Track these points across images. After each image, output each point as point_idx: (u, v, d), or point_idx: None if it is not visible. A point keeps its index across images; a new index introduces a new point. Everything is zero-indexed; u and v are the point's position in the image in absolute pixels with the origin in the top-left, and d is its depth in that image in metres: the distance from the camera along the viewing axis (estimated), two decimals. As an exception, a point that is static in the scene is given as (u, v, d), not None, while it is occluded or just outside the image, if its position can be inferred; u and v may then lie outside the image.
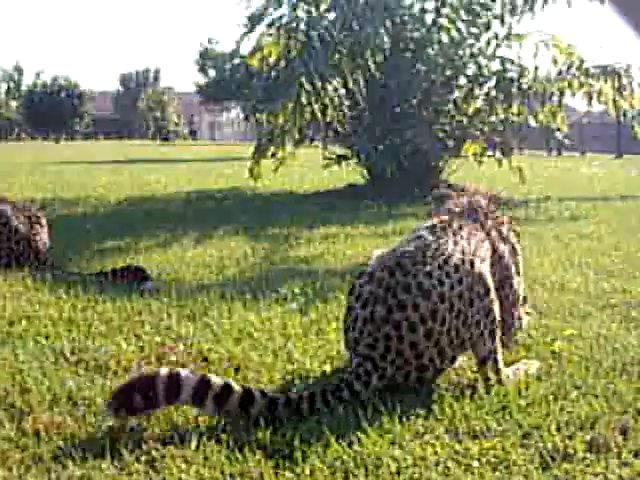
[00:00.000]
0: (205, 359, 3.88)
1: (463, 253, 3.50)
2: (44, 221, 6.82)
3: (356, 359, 3.37)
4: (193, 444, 2.84)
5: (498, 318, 3.50)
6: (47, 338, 4.23)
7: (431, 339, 3.33)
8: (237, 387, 3.05)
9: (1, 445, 2.86)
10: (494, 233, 3.83)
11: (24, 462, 2.74)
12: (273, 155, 12.08)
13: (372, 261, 3.57)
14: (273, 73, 12.57)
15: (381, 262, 3.50)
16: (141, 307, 4.91)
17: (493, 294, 3.49)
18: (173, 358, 3.87)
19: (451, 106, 12.98)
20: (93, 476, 2.62)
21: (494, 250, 3.75)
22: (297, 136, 12.16)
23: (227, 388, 3.02)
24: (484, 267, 3.54)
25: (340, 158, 13.32)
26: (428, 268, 3.39)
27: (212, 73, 59.67)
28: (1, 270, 5.97)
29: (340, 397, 3.19)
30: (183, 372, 3.01)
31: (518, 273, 3.95)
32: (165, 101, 70.87)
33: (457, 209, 3.94)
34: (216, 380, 3.03)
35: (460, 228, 3.64)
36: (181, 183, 15.34)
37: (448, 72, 12.68)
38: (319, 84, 11.21)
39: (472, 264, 3.46)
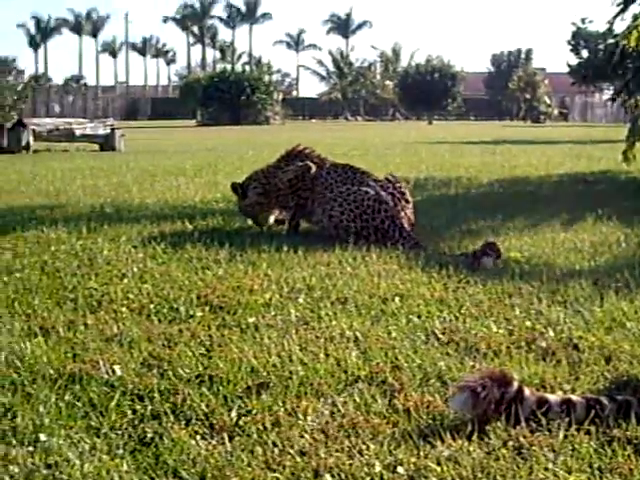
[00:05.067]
0: (575, 347, 3.80)
1: None
2: (409, 197, 6.95)
3: None
4: (561, 434, 2.80)
5: None
6: (419, 317, 4.31)
7: None
8: (577, 398, 2.99)
9: (373, 420, 2.96)
10: None
11: (394, 438, 2.81)
12: (650, 138, 11.58)
13: None
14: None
15: None
16: (511, 290, 4.89)
17: None
18: (543, 344, 3.82)
19: None
20: (460, 458, 2.64)
21: None
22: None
23: (567, 402, 2.96)
24: None
25: None
26: None
27: (585, 53, 58.27)
28: (375, 248, 6.14)
29: None
30: (527, 392, 2.98)
31: None
32: (536, 82, 70.07)
33: None
34: (553, 398, 2.99)
35: None
36: (552, 165, 15.11)
37: None
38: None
39: None
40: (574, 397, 3.02)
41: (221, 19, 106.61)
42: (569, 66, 59.45)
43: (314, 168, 7.02)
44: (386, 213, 6.63)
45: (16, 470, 2.57)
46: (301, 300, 4.67)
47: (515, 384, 2.98)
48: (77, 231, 6.96)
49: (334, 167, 7.00)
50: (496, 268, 5.53)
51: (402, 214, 6.70)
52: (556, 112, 70.44)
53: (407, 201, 6.87)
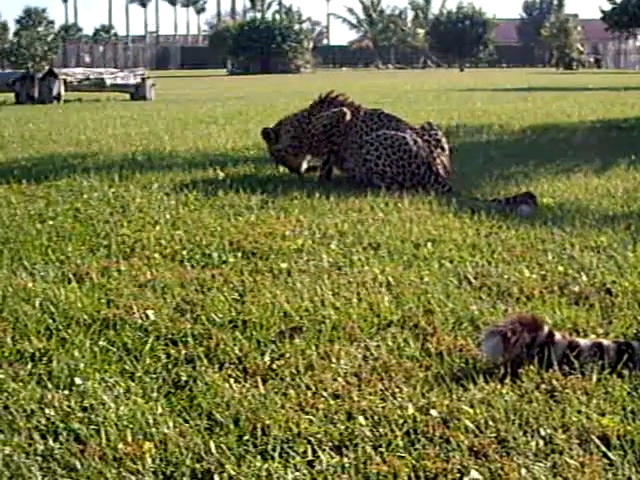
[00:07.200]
0: (608, 291, 3.79)
1: None
2: (445, 144, 6.89)
3: None
4: (594, 377, 2.80)
5: None
6: (451, 262, 4.30)
7: None
8: (609, 342, 2.99)
9: (406, 363, 2.96)
10: None
11: (427, 381, 2.82)
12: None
13: None
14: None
15: None
16: (544, 235, 4.87)
17: None
18: (576, 289, 3.81)
19: None
20: (493, 401, 2.64)
21: None
22: None
23: (598, 346, 2.96)
24: None
25: None
26: None
27: (619, -1, 57.45)
28: (407, 194, 6.11)
29: None
30: (557, 335, 2.98)
31: None
32: (568, 28, 69.15)
33: None
34: (584, 342, 2.99)
35: None
36: (584, 112, 14.94)
37: None
38: None
39: None
40: (605, 341, 3.01)
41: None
42: (602, 12, 58.59)
43: (349, 114, 6.97)
44: (422, 159, 6.58)
45: (52, 413, 2.60)
46: (333, 246, 4.67)
47: (546, 328, 2.97)
48: (109, 179, 6.98)
49: (369, 114, 6.94)
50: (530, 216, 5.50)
51: (438, 161, 6.65)
52: (591, 59, 69.54)
53: (443, 148, 6.81)
